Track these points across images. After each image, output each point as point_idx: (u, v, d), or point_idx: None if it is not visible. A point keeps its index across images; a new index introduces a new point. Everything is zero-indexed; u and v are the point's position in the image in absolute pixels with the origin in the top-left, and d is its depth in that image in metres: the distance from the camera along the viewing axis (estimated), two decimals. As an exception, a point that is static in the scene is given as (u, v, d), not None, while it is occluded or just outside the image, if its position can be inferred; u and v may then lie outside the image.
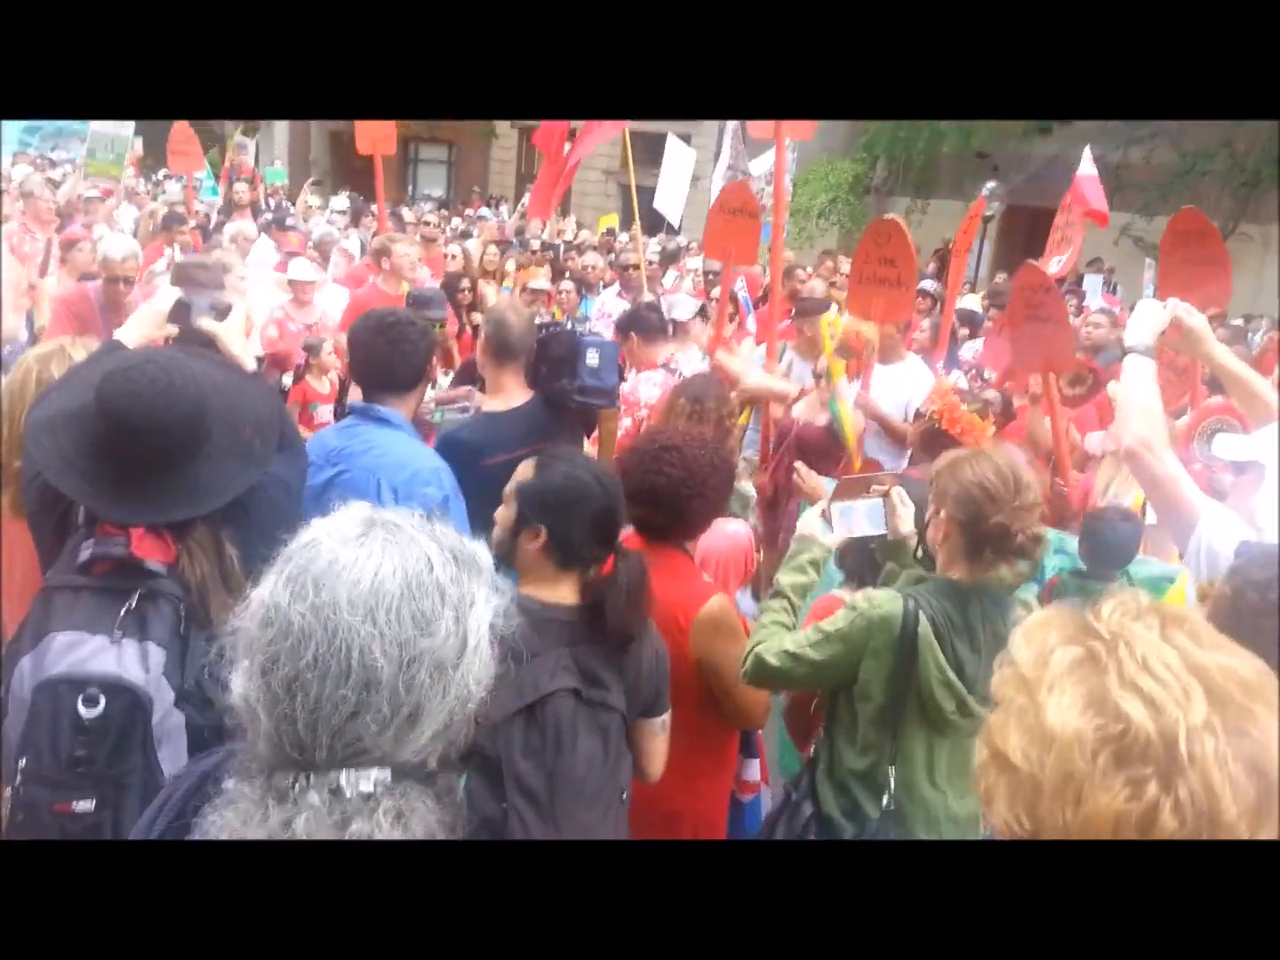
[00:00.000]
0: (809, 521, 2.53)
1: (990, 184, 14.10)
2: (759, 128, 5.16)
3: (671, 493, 2.44)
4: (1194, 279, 5.28)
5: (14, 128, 15.98)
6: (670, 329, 4.86)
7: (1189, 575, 2.45)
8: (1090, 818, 0.82)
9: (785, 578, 2.44)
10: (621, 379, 5.50)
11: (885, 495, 2.54)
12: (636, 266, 7.29)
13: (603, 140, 6.20)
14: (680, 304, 5.66)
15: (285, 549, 1.09)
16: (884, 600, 2.19)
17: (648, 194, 7.65)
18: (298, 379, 5.93)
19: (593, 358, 3.24)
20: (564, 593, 2.05)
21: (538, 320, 4.27)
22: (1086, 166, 7.41)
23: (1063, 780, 0.84)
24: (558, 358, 3.26)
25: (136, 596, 1.72)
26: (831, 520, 2.53)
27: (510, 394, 3.26)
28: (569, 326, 3.49)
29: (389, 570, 1.04)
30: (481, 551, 1.16)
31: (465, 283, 6.44)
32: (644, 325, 4.50)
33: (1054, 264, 6.60)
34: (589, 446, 3.59)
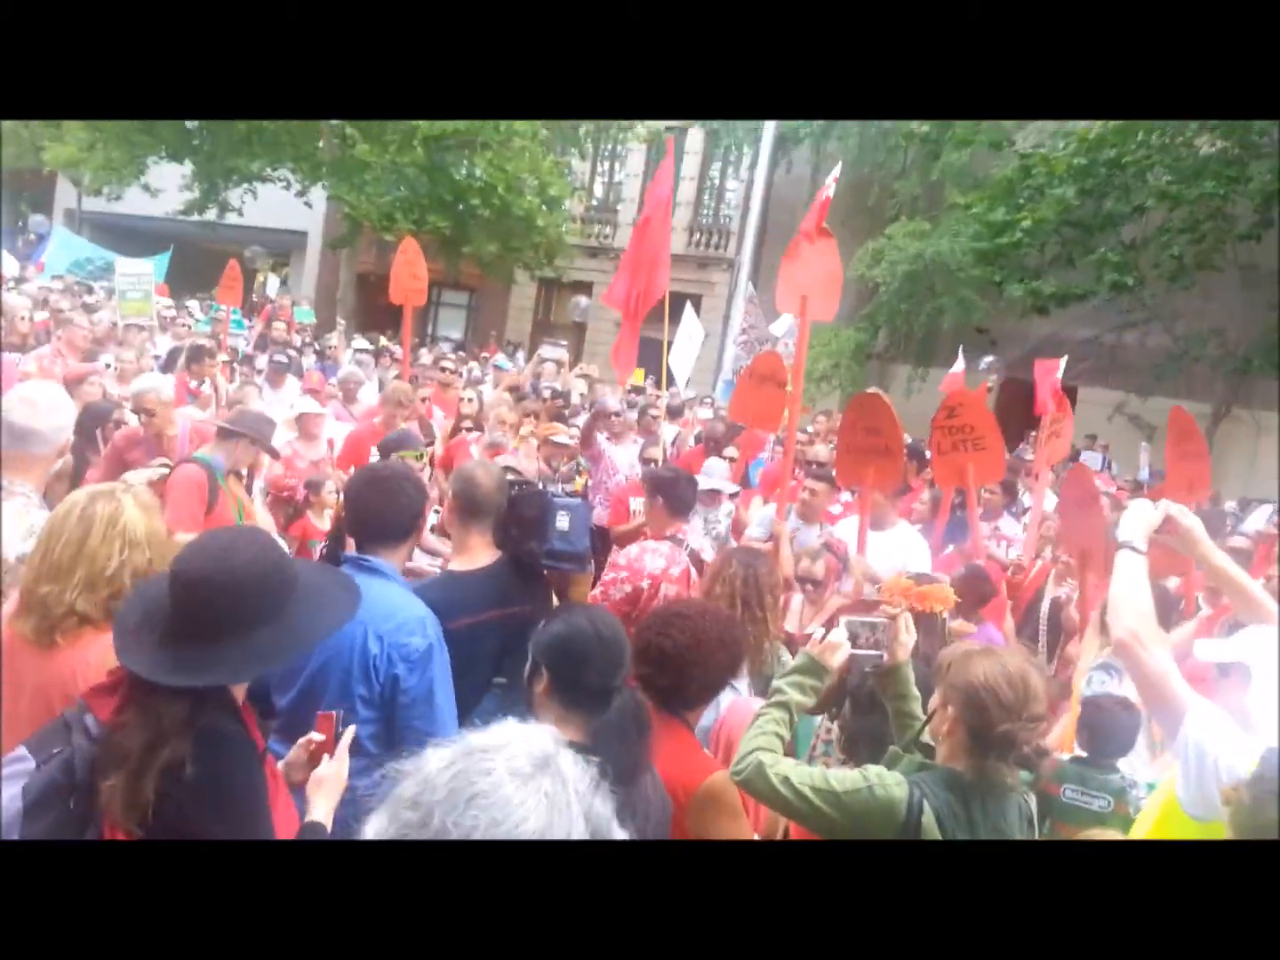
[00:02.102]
0: (830, 641, 2.52)
1: (988, 358, 14.59)
2: (783, 303, 5.41)
3: (675, 657, 2.51)
4: (1193, 473, 5.75)
5: (63, 261, 16.69)
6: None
7: (1178, 769, 2.48)
8: None
9: (791, 692, 2.43)
10: (606, 543, 5.59)
11: (893, 619, 2.58)
12: (657, 416, 7.60)
13: (658, 299, 6.51)
14: (715, 472, 5.91)
15: (466, 739, 1.13)
16: (893, 784, 2.18)
17: (653, 346, 8.01)
18: (298, 514, 6.04)
19: (563, 520, 3.19)
20: (570, 733, 2.11)
21: (563, 474, 4.43)
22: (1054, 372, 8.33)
23: None
24: (527, 519, 3.19)
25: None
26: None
27: (476, 554, 3.16)
28: (540, 487, 3.44)
29: (531, 828, 1.07)
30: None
31: (468, 423, 6.64)
32: (678, 499, 4.38)
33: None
34: None
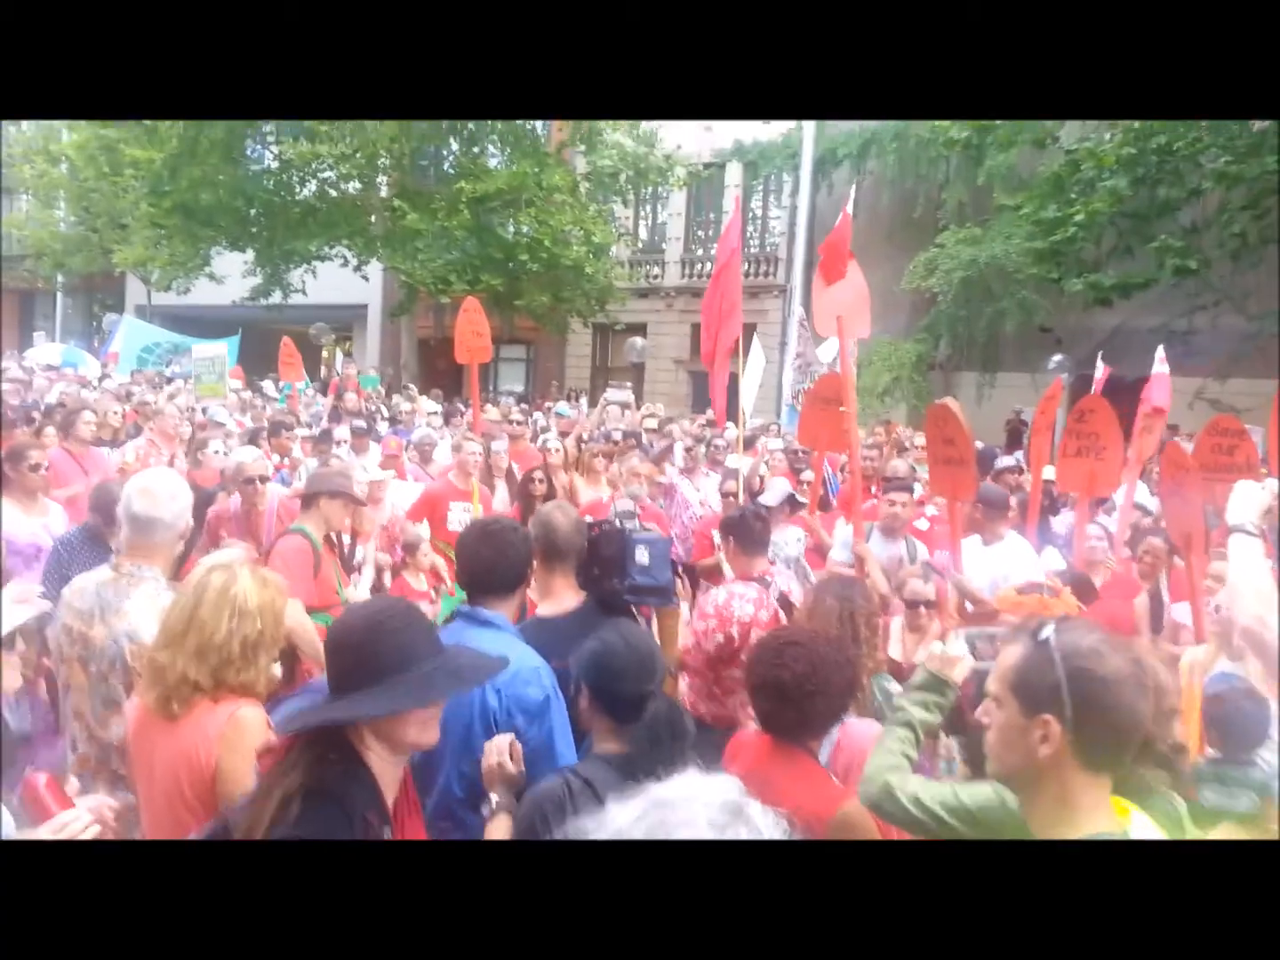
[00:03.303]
0: (950, 654, 2.48)
1: (1057, 357, 14.32)
2: (821, 326, 5.47)
3: (795, 688, 2.50)
4: None
5: (133, 347, 17.47)
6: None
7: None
8: None
9: (915, 710, 2.39)
10: (694, 579, 5.57)
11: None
12: (724, 447, 7.62)
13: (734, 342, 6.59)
14: (772, 489, 5.84)
15: (649, 791, 1.16)
16: None
17: (701, 378, 8.08)
18: (394, 575, 6.16)
19: (643, 555, 3.19)
20: (611, 745, 2.34)
21: (620, 513, 4.44)
22: (1159, 365, 7.67)
23: None
24: (607, 557, 3.23)
25: None
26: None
27: (562, 597, 3.20)
28: (618, 525, 3.42)
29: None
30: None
31: (538, 473, 6.73)
32: (747, 534, 4.28)
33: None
34: None
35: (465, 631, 2.83)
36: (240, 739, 2.29)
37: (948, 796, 2.16)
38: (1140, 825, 1.65)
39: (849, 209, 5.66)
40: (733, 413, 8.44)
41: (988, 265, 17.07)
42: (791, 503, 6.05)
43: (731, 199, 23.52)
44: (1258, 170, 14.26)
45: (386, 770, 1.93)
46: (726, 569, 4.47)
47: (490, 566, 2.91)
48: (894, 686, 3.33)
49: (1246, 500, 2.58)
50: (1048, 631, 1.68)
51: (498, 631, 2.81)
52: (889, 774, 2.23)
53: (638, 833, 1.09)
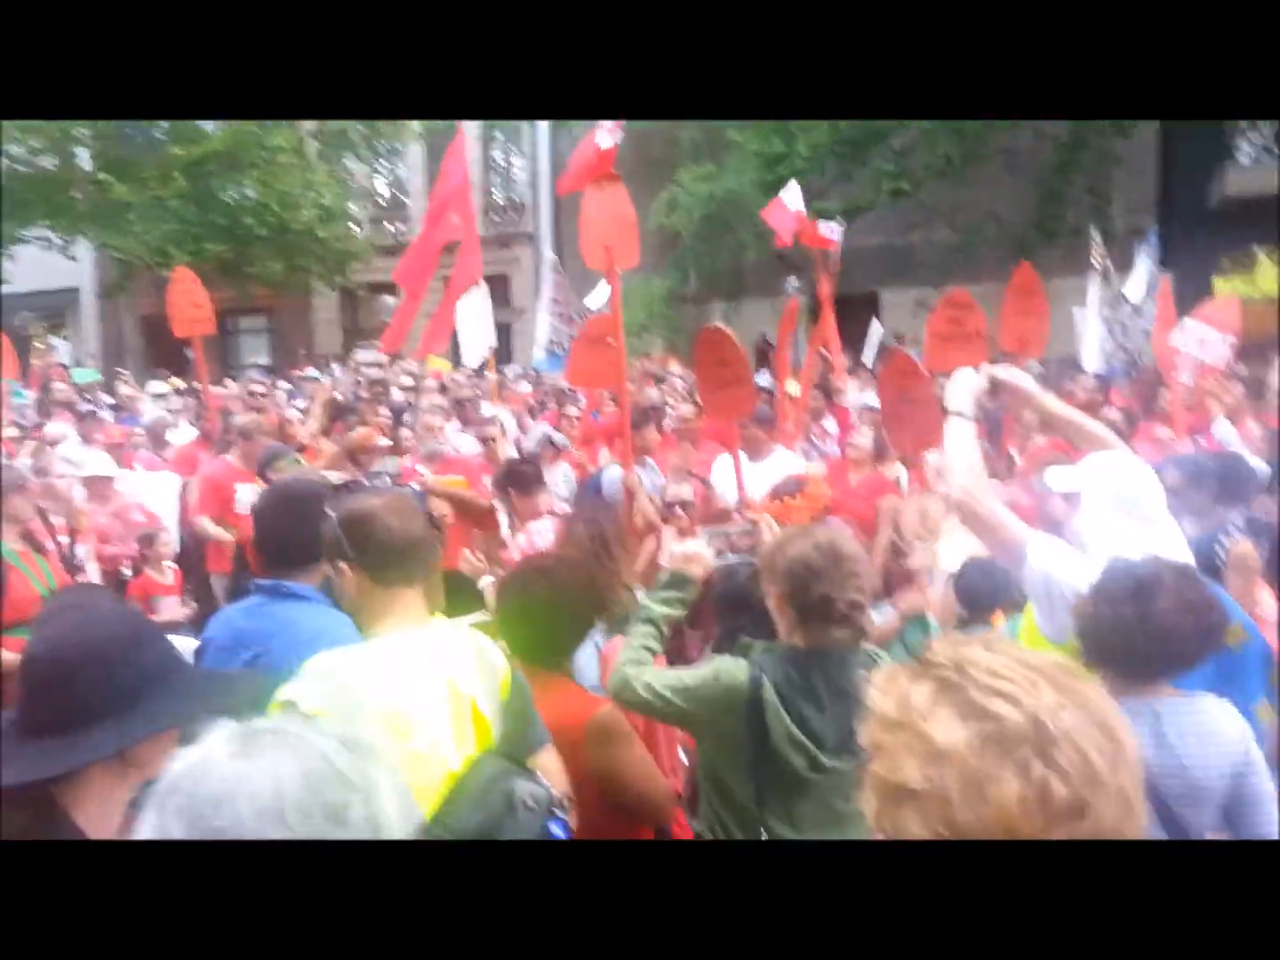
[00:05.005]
0: (687, 552, 2.66)
1: (793, 280, 15.05)
2: (590, 258, 5.38)
3: (540, 614, 2.55)
4: (1029, 330, 6.19)
5: None
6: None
7: (1031, 599, 2.66)
8: (1000, 807, 0.92)
9: (658, 608, 2.57)
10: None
11: (754, 524, 2.69)
12: (470, 400, 7.49)
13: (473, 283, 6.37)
14: (531, 434, 5.90)
15: (159, 783, 1.04)
16: (735, 669, 2.34)
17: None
18: (136, 573, 5.73)
19: None
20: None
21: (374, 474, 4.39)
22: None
23: (966, 785, 0.93)
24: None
25: None
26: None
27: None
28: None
29: (288, 772, 1.03)
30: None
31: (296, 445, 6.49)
32: (521, 480, 4.68)
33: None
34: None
35: (269, 607, 2.62)
36: None
37: (673, 680, 2.38)
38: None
39: (610, 143, 5.50)
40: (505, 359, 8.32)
41: (724, 200, 17.63)
42: (550, 444, 6.15)
43: (474, 150, 23.10)
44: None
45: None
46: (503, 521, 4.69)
47: (292, 535, 2.67)
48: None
49: (963, 386, 2.78)
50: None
51: (308, 604, 2.59)
52: (628, 667, 2.40)
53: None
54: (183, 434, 8.50)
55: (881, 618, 3.94)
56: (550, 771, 2.13)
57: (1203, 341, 6.47)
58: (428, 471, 5.90)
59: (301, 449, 6.30)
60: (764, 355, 17.50)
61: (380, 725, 1.89)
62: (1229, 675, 2.73)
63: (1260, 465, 5.48)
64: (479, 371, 9.65)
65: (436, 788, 1.90)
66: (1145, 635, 2.16)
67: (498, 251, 22.60)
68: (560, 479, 6.11)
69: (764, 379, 9.29)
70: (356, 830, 1.03)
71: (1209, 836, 2.26)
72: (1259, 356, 8.12)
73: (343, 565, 2.16)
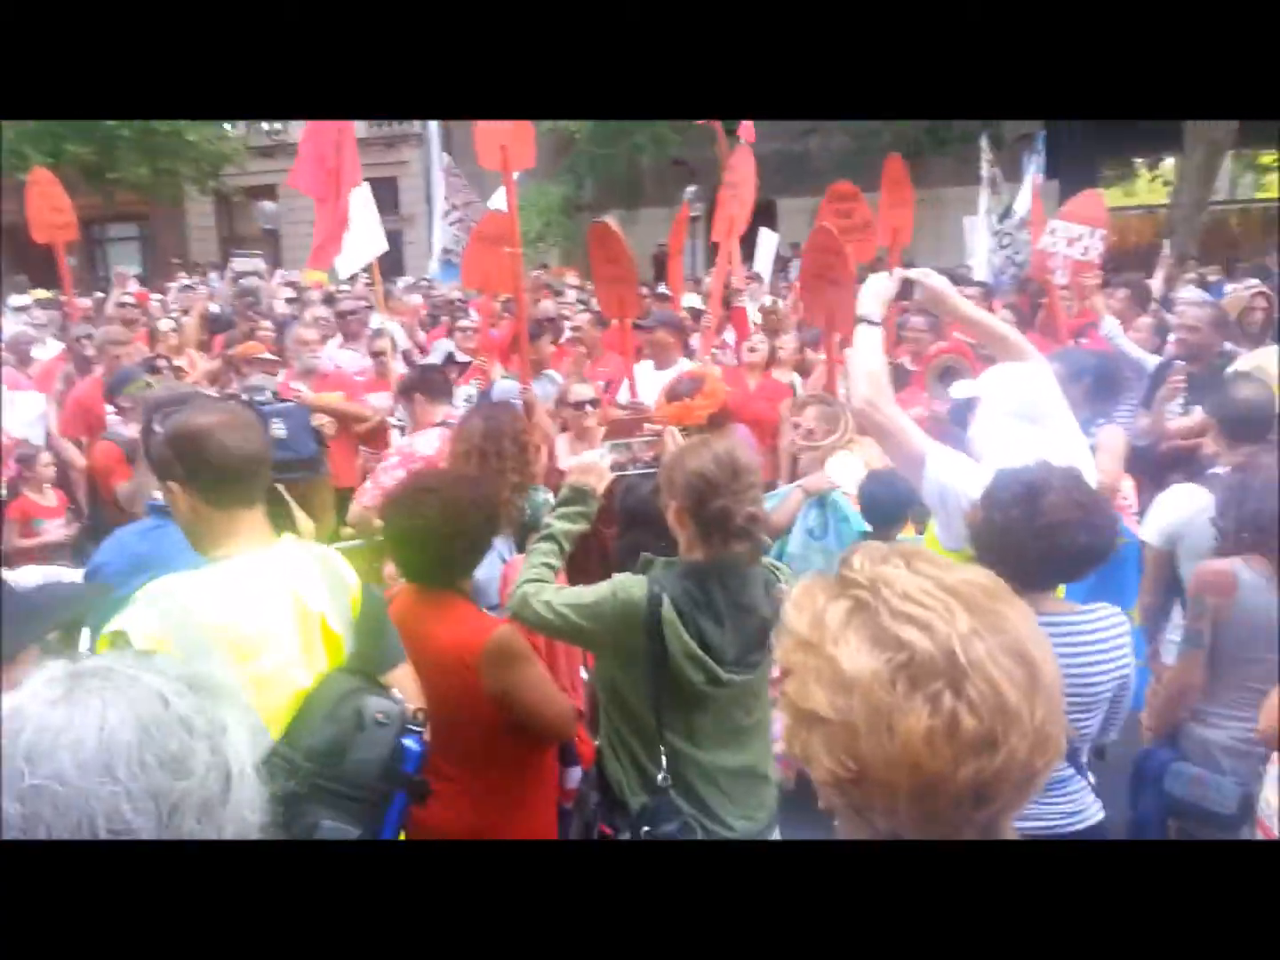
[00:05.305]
0: (591, 464, 2.61)
1: (690, 189, 14.81)
2: (485, 158, 5.18)
3: (433, 534, 2.46)
4: (900, 220, 6.30)
5: None
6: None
7: (930, 509, 2.70)
8: (907, 741, 0.89)
9: (559, 523, 2.52)
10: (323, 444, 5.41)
11: (658, 435, 2.65)
12: (354, 313, 7.15)
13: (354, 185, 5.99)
14: (435, 350, 5.76)
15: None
16: (632, 585, 2.31)
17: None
18: (14, 494, 5.42)
19: (279, 428, 2.98)
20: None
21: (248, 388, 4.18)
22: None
23: (873, 716, 0.91)
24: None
25: None
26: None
27: None
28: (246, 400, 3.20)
29: (116, 718, 0.91)
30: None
31: (161, 361, 6.14)
32: (432, 386, 4.53)
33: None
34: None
35: (166, 529, 2.43)
36: None
37: (572, 598, 2.34)
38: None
39: None
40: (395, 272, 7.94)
41: (619, 100, 17.19)
42: (453, 361, 6.01)
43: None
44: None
45: None
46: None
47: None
48: (546, 496, 3.39)
49: (873, 292, 2.74)
50: None
51: None
52: (527, 585, 2.35)
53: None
54: (50, 350, 7.97)
55: (783, 499, 3.96)
56: (406, 687, 2.07)
57: (1071, 240, 6.60)
58: (304, 388, 5.60)
59: (170, 364, 5.98)
60: (662, 264, 17.37)
61: (224, 648, 1.80)
62: (1106, 577, 2.85)
63: (1147, 358, 5.70)
64: (369, 284, 9.26)
65: (286, 708, 1.85)
66: (1034, 536, 2.20)
67: (385, 153, 21.61)
68: (462, 400, 5.94)
69: (665, 289, 9.18)
70: (200, 781, 0.93)
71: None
72: (1139, 265, 8.36)
73: (173, 486, 2.00)
